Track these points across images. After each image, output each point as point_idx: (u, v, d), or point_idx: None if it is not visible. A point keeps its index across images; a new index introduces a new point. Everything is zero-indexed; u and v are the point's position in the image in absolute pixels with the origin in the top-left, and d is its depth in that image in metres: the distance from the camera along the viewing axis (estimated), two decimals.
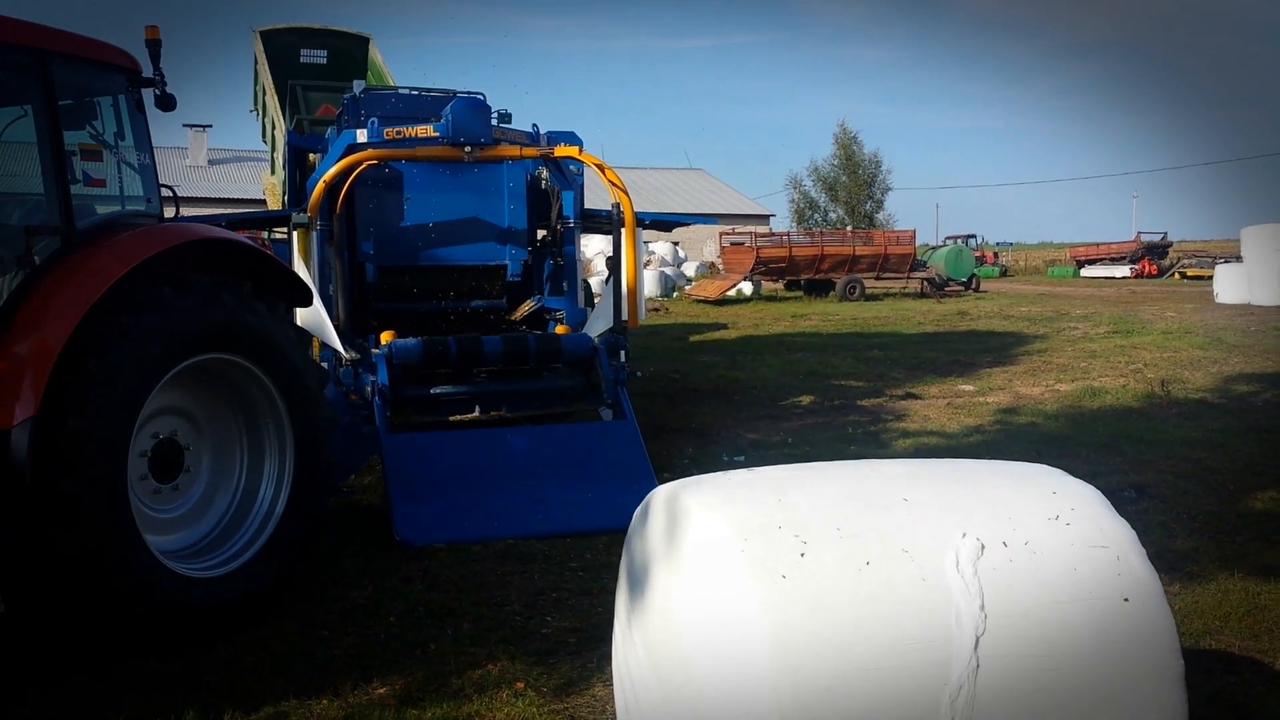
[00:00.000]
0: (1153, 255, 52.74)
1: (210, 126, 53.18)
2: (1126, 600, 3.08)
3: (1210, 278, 35.11)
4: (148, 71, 6.00)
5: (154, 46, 5.95)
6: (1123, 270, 51.47)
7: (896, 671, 2.88)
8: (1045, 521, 3.23)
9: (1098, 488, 3.54)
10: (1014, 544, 3.13)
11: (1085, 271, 53.60)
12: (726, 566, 3.09)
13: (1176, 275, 49.28)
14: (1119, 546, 3.21)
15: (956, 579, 3.01)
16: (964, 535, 3.11)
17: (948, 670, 2.90)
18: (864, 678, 2.86)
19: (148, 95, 6.06)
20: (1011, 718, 2.92)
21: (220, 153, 53.64)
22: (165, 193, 6.19)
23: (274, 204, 13.63)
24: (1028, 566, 3.08)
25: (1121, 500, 7.80)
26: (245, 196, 41.63)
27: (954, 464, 3.97)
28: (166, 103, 6.06)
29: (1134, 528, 3.37)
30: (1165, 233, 55.95)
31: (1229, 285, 30.99)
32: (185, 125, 52.14)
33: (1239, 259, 32.82)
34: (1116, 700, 3.00)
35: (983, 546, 3.09)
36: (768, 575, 2.99)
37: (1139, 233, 56.63)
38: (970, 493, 3.41)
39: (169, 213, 6.25)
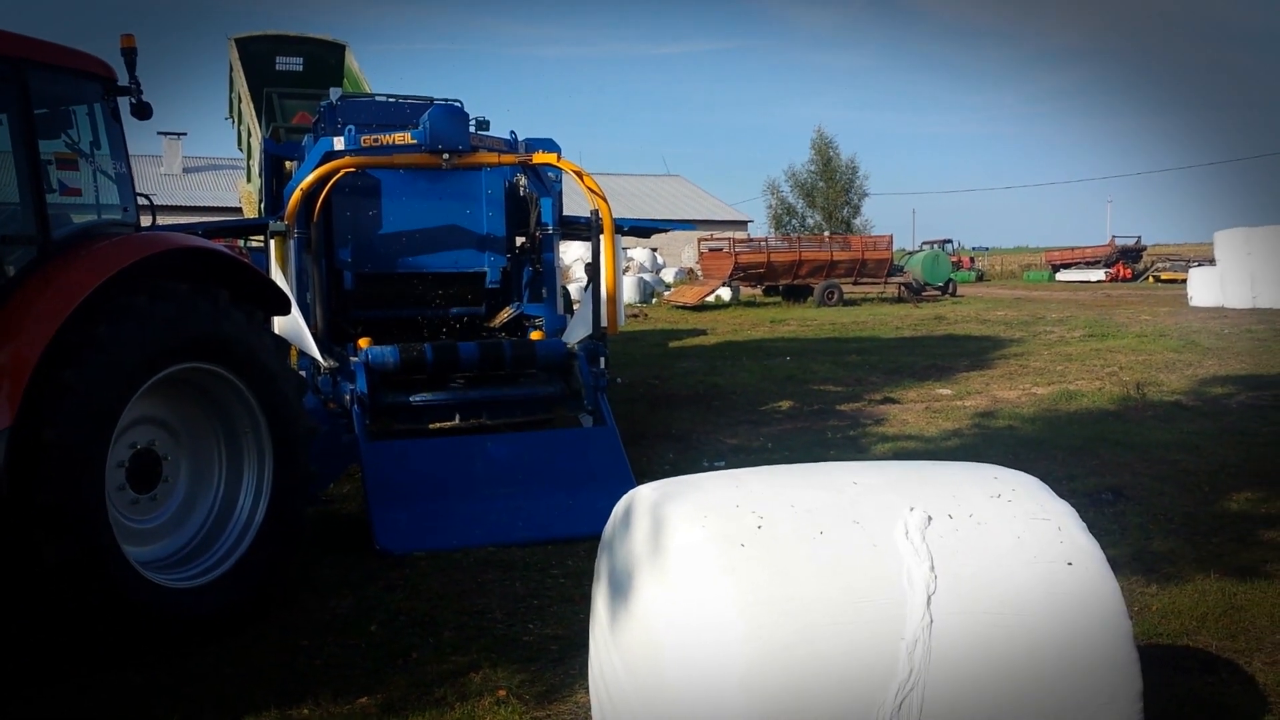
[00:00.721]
0: (1127, 259, 53.13)
1: (185, 134, 52.87)
2: (1070, 565, 3.25)
3: (1184, 281, 35.42)
4: (123, 80, 5.98)
5: (130, 55, 5.93)
6: (1098, 274, 51.83)
7: (855, 627, 3.05)
8: (988, 499, 3.47)
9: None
10: (959, 516, 3.35)
11: (1061, 275, 53.96)
12: (690, 546, 3.25)
13: (1150, 279, 49.67)
14: (1059, 519, 3.42)
15: (906, 545, 3.20)
16: (911, 509, 3.32)
17: (902, 625, 3.06)
18: (825, 634, 3.02)
19: (124, 104, 6.04)
20: (968, 671, 3.06)
21: (195, 160, 53.35)
22: (142, 201, 6.17)
23: (250, 212, 13.57)
24: (974, 534, 3.29)
25: (1099, 502, 7.86)
26: (220, 204, 41.39)
27: (902, 461, 4.32)
28: (143, 111, 6.04)
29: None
30: (1139, 237, 56.42)
31: (1202, 288, 31.25)
32: (160, 133, 51.87)
33: (1212, 262, 33.09)
34: (1069, 655, 3.15)
35: (929, 518, 3.30)
36: (728, 545, 3.19)
37: (1113, 237, 57.01)
38: (916, 478, 3.69)
39: (145, 221, 6.22)
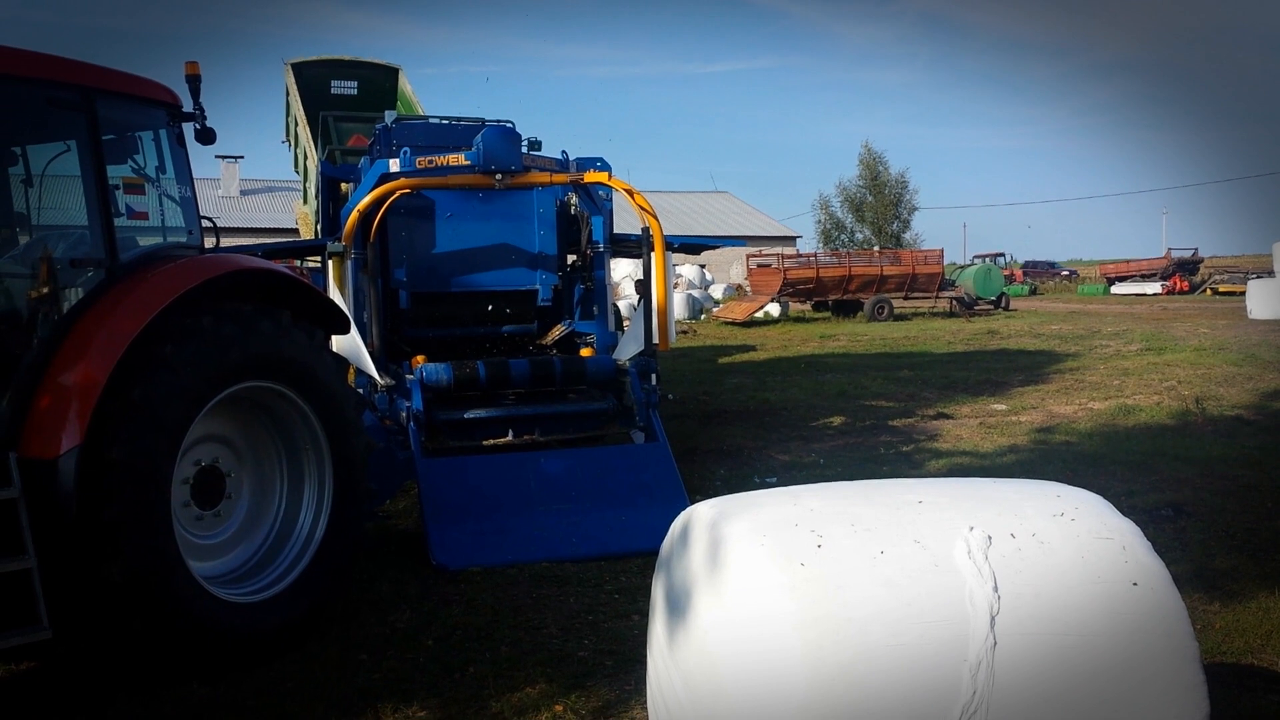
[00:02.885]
0: (1184, 271, 52.37)
1: (242, 158, 54.07)
2: (1135, 585, 3.21)
3: (1242, 293, 34.78)
4: (188, 106, 6.13)
5: (194, 82, 6.07)
6: (1154, 287, 51.09)
7: (917, 648, 3.03)
8: (1051, 518, 3.42)
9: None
10: (1021, 535, 3.31)
11: (1116, 289, 53.25)
12: (749, 564, 3.26)
13: (1208, 291, 48.85)
14: (1124, 538, 3.37)
15: (968, 564, 3.17)
16: (972, 528, 3.29)
17: (965, 647, 3.03)
18: (886, 655, 3.01)
19: (188, 129, 6.18)
20: (1032, 694, 3.03)
21: (252, 183, 54.32)
22: (205, 224, 6.31)
23: (306, 233, 13.80)
24: (1036, 555, 3.25)
25: (1159, 519, 7.75)
26: (276, 226, 42.05)
27: (961, 478, 4.26)
28: (207, 136, 6.18)
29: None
30: (1196, 249, 55.64)
31: (1262, 301, 30.67)
32: (217, 156, 52.92)
33: (1271, 274, 32.49)
34: (1134, 677, 3.10)
35: (990, 538, 3.26)
36: (788, 564, 3.19)
37: (1169, 249, 56.28)
38: (977, 496, 3.66)
39: (209, 244, 6.36)
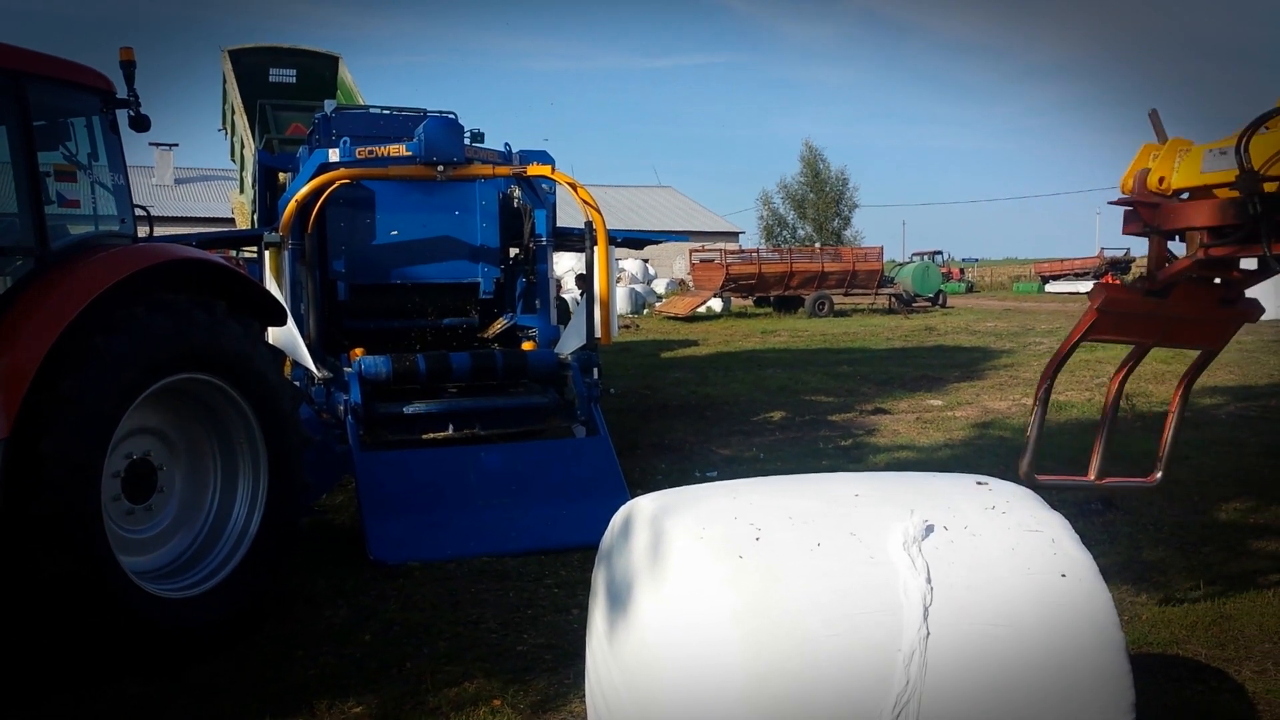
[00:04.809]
0: (1116, 271, 53.36)
1: (176, 145, 52.80)
2: (1064, 576, 3.29)
3: None
4: (122, 92, 6.01)
5: (128, 68, 5.96)
6: (1087, 285, 51.93)
7: (852, 639, 3.08)
8: (982, 510, 3.51)
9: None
10: (954, 528, 3.38)
11: (1050, 287, 54.20)
12: (689, 557, 3.29)
13: None
14: (1053, 531, 3.45)
15: (902, 556, 3.23)
16: (907, 521, 3.35)
17: (899, 637, 3.08)
18: (823, 645, 3.05)
19: (122, 116, 6.06)
20: (963, 683, 3.09)
21: (187, 172, 53.31)
22: (139, 213, 6.19)
23: (242, 223, 13.59)
24: (968, 546, 3.33)
25: (1088, 512, 7.91)
26: (212, 215, 41.36)
27: (897, 472, 4.35)
28: (141, 123, 6.07)
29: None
30: (1128, 249, 56.65)
31: None
32: (151, 144, 51.78)
33: None
34: (1061, 667, 3.17)
35: (925, 529, 3.32)
36: (727, 556, 3.23)
37: (1102, 249, 57.33)
38: (912, 489, 3.73)
39: (142, 233, 6.24)
